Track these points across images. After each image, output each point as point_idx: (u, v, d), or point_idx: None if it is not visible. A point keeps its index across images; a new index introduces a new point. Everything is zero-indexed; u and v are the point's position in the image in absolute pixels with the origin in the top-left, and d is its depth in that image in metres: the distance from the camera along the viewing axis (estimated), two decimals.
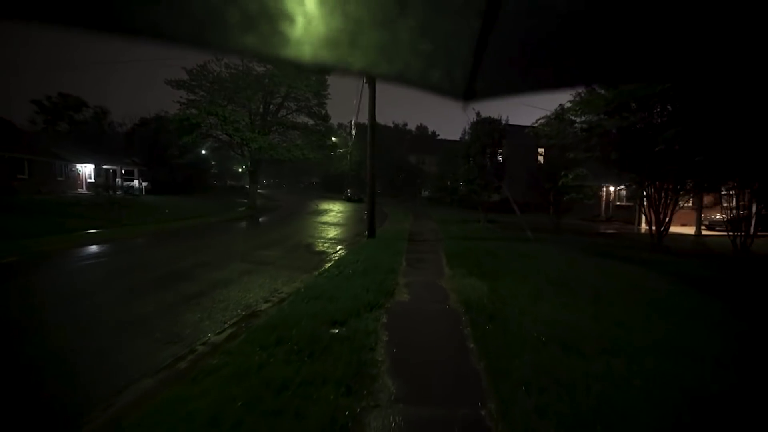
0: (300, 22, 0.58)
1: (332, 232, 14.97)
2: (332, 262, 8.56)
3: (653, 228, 13.85)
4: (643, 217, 21.28)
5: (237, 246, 11.20)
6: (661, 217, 13.65)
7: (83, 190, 26.87)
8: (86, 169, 28.31)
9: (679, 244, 13.82)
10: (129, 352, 4.01)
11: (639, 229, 20.06)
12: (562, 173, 13.24)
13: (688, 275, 7.66)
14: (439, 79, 0.79)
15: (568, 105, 12.99)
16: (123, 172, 31.37)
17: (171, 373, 3.39)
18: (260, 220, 20.12)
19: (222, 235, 13.79)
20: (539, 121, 13.30)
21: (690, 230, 18.14)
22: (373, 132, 11.37)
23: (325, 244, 11.74)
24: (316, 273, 7.48)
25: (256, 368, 3.21)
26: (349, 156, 42.83)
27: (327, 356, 3.43)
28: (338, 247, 11.08)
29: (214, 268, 8.02)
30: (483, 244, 10.77)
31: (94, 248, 10.24)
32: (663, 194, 13.58)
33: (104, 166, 29.25)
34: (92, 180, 27.50)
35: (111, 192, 20.11)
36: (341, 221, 19.39)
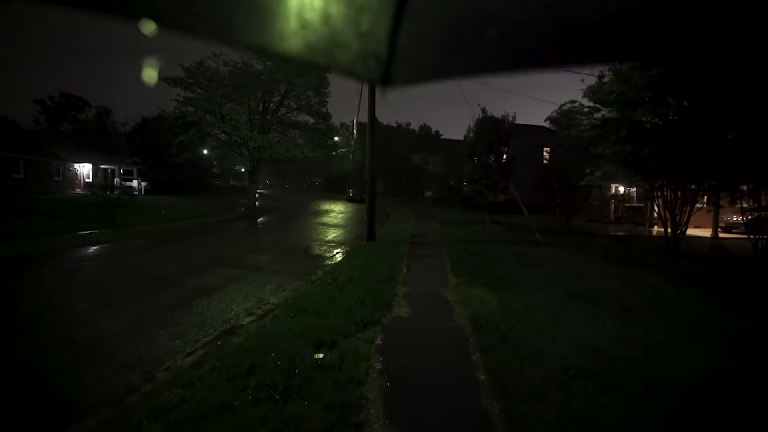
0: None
1: (331, 234, 14.36)
2: (327, 267, 7.95)
3: (668, 230, 13.15)
4: (656, 217, 20.61)
5: (229, 249, 10.62)
6: (678, 218, 12.94)
7: (81, 191, 26.45)
8: (84, 169, 27.90)
9: (697, 247, 13.09)
10: (79, 381, 3.40)
11: (651, 231, 19.32)
12: (588, 170, 12.49)
13: (715, 285, 6.98)
14: (351, 62, 0.75)
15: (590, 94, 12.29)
16: (122, 171, 30.94)
17: (114, 413, 2.79)
18: (258, 221, 19.56)
19: (216, 237, 13.22)
20: (565, 106, 12.51)
21: (705, 232, 17.37)
22: (373, 131, 10.76)
23: (322, 248, 11.13)
24: (308, 281, 6.87)
25: (216, 411, 2.59)
26: (351, 156, 42.22)
27: (305, 393, 2.81)
28: (336, 251, 10.47)
29: (201, 273, 7.43)
30: (489, 247, 10.12)
31: (78, 251, 9.69)
32: (680, 194, 12.87)
33: (102, 166, 28.81)
34: (90, 180, 27.09)
35: (106, 192, 19.66)
36: (341, 222, 18.80)
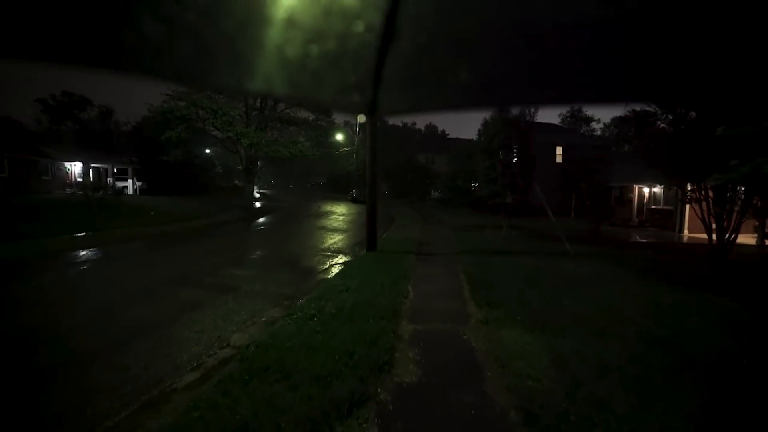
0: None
1: (328, 241, 12.81)
2: (315, 289, 6.38)
3: (713, 238, 11.44)
4: (686, 222, 18.79)
5: (207, 260, 9.10)
6: (725, 224, 11.23)
7: (71, 190, 25.17)
8: (76, 168, 26.65)
9: (751, 259, 11.36)
10: None
11: (681, 237, 17.53)
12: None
13: None
14: (337, 96, 0.82)
15: None
16: (115, 171, 29.65)
17: None
18: (252, 224, 18.07)
19: (198, 244, 11.73)
20: None
21: (747, 239, 15.55)
22: (374, 127, 9.17)
23: (316, 258, 9.57)
24: (287, 309, 5.31)
25: None
26: (354, 155, 40.67)
27: None
28: (330, 263, 8.91)
29: (153, 297, 5.90)
30: (513, 261, 8.49)
31: (24, 263, 8.23)
32: (729, 196, 11.16)
33: (93, 165, 27.54)
34: (81, 179, 25.83)
35: (98, 192, 18.32)
36: (342, 226, 17.24)
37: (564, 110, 59.12)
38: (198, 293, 6.22)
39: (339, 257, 9.62)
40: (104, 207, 17.46)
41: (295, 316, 4.87)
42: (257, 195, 48.97)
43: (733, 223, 11.20)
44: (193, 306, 5.55)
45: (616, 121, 11.60)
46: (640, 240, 15.05)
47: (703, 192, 11.72)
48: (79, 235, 11.84)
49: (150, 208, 19.84)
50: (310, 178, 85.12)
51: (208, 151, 37.69)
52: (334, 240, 12.96)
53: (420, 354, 3.75)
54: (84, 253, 9.52)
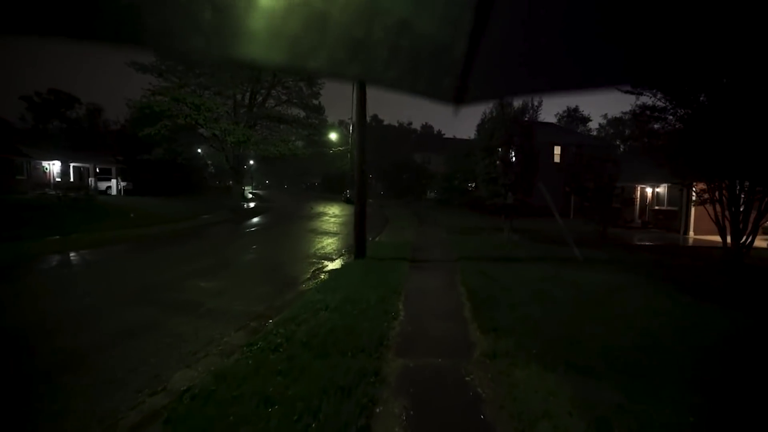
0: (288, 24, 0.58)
1: (316, 246, 11.86)
2: (288, 308, 5.42)
3: (728, 240, 10.62)
4: (692, 223, 17.99)
5: (177, 268, 8.12)
6: (742, 225, 10.41)
7: (50, 190, 24.00)
8: (55, 167, 25.44)
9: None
10: None
11: (687, 239, 16.76)
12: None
13: None
14: (427, 83, 0.78)
15: None
16: (97, 170, 28.43)
17: None
18: (238, 226, 17.05)
19: (173, 249, 10.73)
20: None
21: (759, 242, 14.77)
22: (363, 114, 8.22)
23: (298, 267, 8.62)
24: (249, 336, 4.36)
25: None
26: (349, 155, 39.65)
27: None
28: (313, 272, 7.95)
29: (94, 319, 4.93)
30: (518, 269, 7.56)
31: None
32: (744, 194, 10.34)
33: (73, 164, 26.34)
34: (59, 179, 24.64)
35: (64, 192, 17.22)
36: (332, 229, 16.26)
37: (561, 110, 58.65)
38: (151, 313, 5.25)
39: (324, 265, 8.66)
40: (78, 208, 16.39)
41: (256, 347, 3.91)
42: (250, 195, 47.88)
43: (750, 226, 10.39)
44: (138, 330, 4.58)
45: (613, 121, 10.59)
46: (647, 243, 14.22)
47: (716, 192, 10.90)
48: (42, 240, 10.80)
49: (131, 209, 18.75)
50: (306, 179, 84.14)
51: (200, 150, 36.51)
52: (322, 244, 12.01)
53: (410, 409, 2.81)
54: (38, 262, 8.50)
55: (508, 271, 7.15)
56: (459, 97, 0.77)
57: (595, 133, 53.84)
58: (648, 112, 11.45)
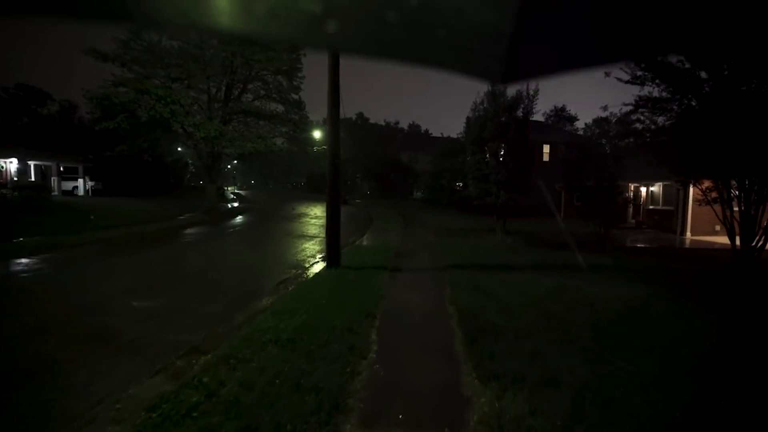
0: None
1: (289, 251, 10.64)
2: (231, 339, 4.21)
3: (737, 242, 9.80)
4: (688, 223, 17.26)
5: (115, 282, 6.82)
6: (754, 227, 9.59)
7: (5, 190, 22.13)
8: (12, 166, 23.50)
9: None
10: None
11: (684, 239, 16.05)
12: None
13: None
14: (474, 62, 0.76)
15: None
16: (61, 169, 26.54)
17: None
18: (209, 229, 15.67)
19: (122, 257, 9.39)
20: None
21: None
22: (337, 94, 7.00)
23: (260, 279, 7.40)
24: (152, 400, 3.14)
25: None
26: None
27: None
28: (275, 285, 6.74)
29: None
30: (517, 281, 6.47)
31: None
32: (756, 197, 9.54)
33: (32, 162, 24.44)
34: (16, 178, 22.74)
35: (11, 192, 15.61)
36: (310, 231, 15.02)
37: (548, 108, 58.27)
38: (50, 348, 4.00)
39: (293, 275, 7.45)
40: (30, 210, 14.82)
41: (160, 412, 2.71)
42: (232, 196, 46.13)
43: (761, 227, 9.57)
44: (16, 378, 3.33)
45: (599, 121, 9.62)
46: (647, 245, 13.39)
47: (724, 191, 10.07)
48: None
49: (93, 211, 17.15)
50: (291, 179, 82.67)
51: (180, 149, 34.67)
52: (297, 250, 10.79)
53: None
54: None
55: (505, 284, 6.06)
56: (506, 76, 0.76)
57: (581, 132, 53.67)
58: (650, 105, 10.58)
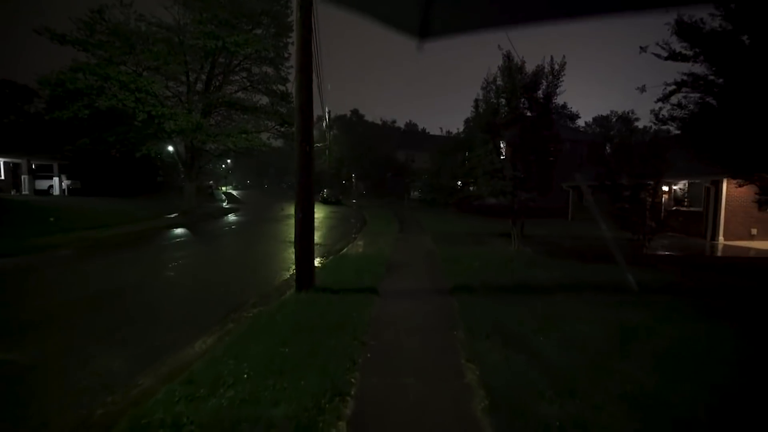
0: None
1: (263, 261, 8.84)
2: (126, 416, 2.37)
3: None
4: (721, 227, 15.43)
5: (34, 303, 4.98)
6: None
7: None
8: None
9: None
10: None
11: (716, 245, 14.25)
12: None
13: None
14: (390, 9, 0.77)
15: None
16: (33, 167, 24.62)
17: None
18: (184, 233, 13.80)
19: (57, 270, 7.55)
20: None
21: None
22: (309, 48, 5.18)
23: (208, 304, 5.55)
24: None
25: None
26: (327, 151, 36.50)
27: None
28: (225, 314, 4.90)
29: None
30: (555, 316, 4.64)
31: None
32: None
33: (2, 160, 22.55)
34: None
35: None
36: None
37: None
38: None
39: (254, 299, 5.61)
40: None
41: None
42: (223, 196, 44.19)
43: None
44: None
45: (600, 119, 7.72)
46: (683, 254, 11.58)
47: None
48: None
49: (58, 212, 15.23)
50: (287, 178, 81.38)
51: (170, 148, 32.71)
52: (273, 259, 8.98)
53: None
54: None
55: (543, 324, 4.22)
56: (423, 31, 0.75)
57: (582, 129, 52.03)
58: (693, 84, 8.80)
